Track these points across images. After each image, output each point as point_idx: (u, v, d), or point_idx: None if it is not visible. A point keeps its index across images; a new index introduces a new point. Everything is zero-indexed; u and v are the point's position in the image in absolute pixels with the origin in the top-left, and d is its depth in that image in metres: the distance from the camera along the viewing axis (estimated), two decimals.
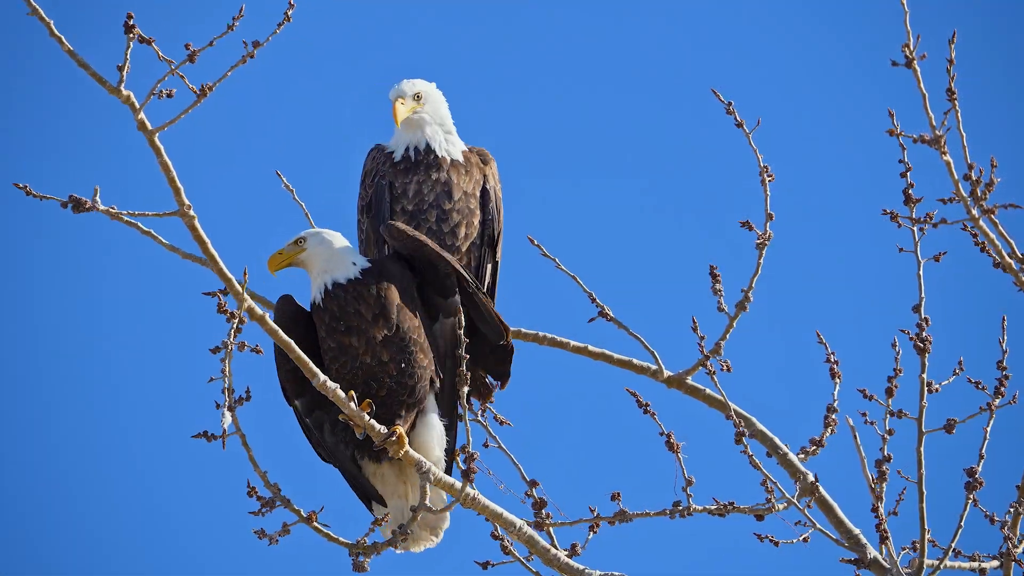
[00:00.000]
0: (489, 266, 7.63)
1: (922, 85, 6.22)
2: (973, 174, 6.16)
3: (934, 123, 6.24)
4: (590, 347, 7.26)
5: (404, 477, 7.02)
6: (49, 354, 11.20)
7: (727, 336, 6.96)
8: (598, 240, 8.32)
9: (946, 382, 6.43)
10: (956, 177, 6.20)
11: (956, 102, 6.19)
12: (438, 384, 7.02)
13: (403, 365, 6.93)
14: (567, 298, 8.13)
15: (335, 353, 6.95)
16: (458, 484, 6.69)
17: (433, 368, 7.00)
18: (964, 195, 6.20)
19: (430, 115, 7.65)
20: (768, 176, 6.88)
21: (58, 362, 11.21)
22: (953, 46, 6.22)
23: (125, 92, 6.05)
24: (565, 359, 7.29)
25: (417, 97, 7.68)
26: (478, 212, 7.63)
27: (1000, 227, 6.25)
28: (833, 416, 6.73)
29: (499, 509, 6.72)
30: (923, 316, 6.38)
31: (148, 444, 10.85)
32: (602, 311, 7.03)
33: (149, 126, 6.11)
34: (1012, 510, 6.34)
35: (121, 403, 11.05)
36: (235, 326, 6.20)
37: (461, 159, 7.63)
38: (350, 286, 7.00)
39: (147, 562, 10.52)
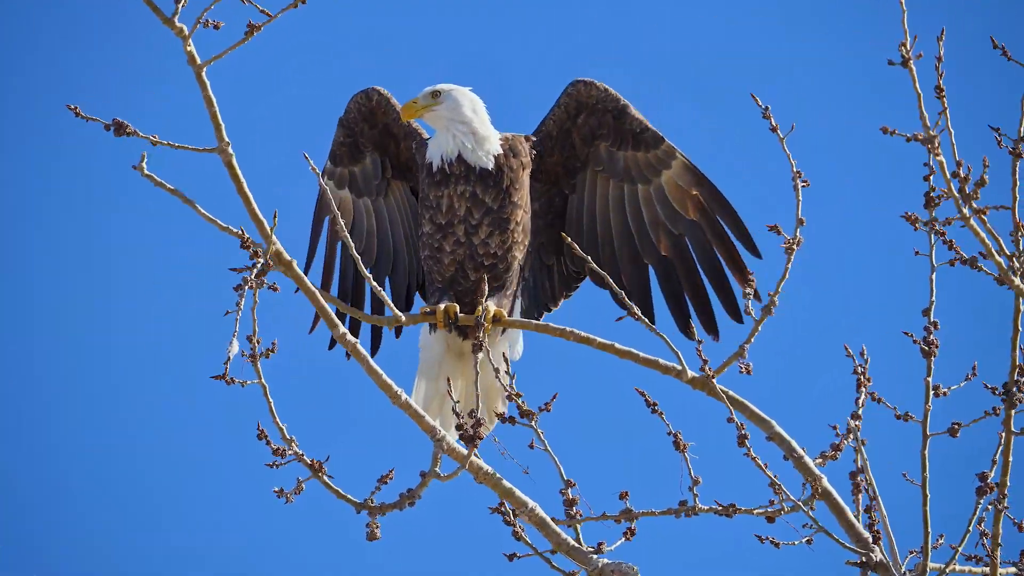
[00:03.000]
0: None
1: (917, 85, 6.32)
2: (961, 172, 6.22)
3: (928, 123, 6.30)
4: (616, 345, 7.28)
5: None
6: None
7: (751, 340, 6.97)
8: None
9: (956, 387, 6.42)
10: (948, 176, 6.26)
11: (944, 99, 6.27)
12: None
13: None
14: (598, 296, 8.24)
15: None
16: (480, 462, 6.69)
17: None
18: (955, 194, 6.24)
19: (447, 112, 7.80)
20: (802, 182, 6.93)
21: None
22: (941, 43, 6.33)
23: (179, 24, 6.25)
24: (592, 356, 7.33)
25: (435, 95, 7.83)
26: (523, 209, 7.82)
27: (988, 225, 6.27)
28: (857, 423, 6.70)
29: (510, 486, 6.72)
30: (931, 320, 6.40)
31: (165, 397, 10.98)
32: (630, 311, 7.04)
33: (198, 60, 6.30)
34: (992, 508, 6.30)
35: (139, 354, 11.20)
36: (259, 265, 6.26)
37: (492, 165, 7.78)
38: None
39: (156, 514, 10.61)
